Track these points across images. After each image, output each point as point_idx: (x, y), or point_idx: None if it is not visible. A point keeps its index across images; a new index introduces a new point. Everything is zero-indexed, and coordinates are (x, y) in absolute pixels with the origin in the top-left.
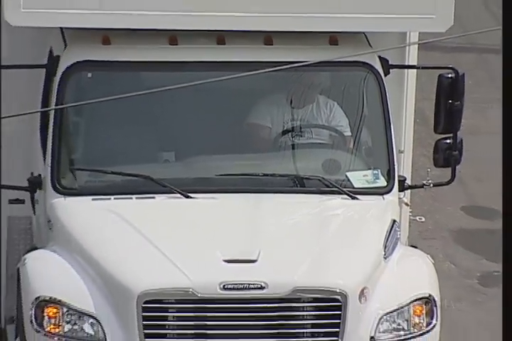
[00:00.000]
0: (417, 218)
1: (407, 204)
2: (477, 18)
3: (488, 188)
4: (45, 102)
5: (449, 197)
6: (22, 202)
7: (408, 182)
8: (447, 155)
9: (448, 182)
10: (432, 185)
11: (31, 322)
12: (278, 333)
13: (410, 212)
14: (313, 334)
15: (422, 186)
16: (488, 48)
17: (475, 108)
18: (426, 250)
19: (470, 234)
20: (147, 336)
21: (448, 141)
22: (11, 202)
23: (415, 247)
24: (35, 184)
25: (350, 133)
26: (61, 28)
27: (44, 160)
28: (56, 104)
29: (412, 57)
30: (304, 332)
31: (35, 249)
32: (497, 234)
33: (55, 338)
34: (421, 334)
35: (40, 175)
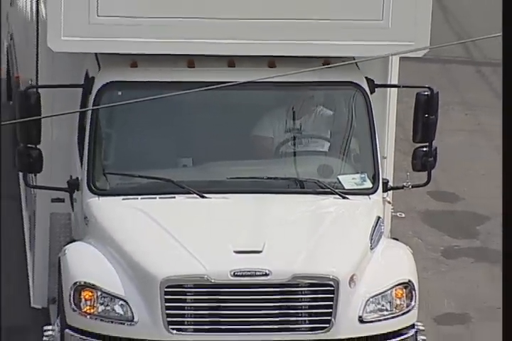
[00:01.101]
0: (398, 214)
1: (389, 202)
2: (439, 32)
3: (450, 176)
4: (82, 116)
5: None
6: (62, 200)
7: (390, 183)
8: (424, 161)
9: (425, 184)
10: (411, 186)
11: (70, 303)
12: (280, 313)
13: (392, 209)
14: (309, 315)
15: (402, 187)
16: (451, 60)
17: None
18: (398, 228)
19: (435, 214)
20: (169, 315)
21: (424, 149)
22: (53, 200)
23: (397, 240)
24: (73, 185)
25: (341, 143)
26: (95, 54)
27: (81, 165)
28: (91, 118)
29: (394, 77)
30: (301, 313)
31: (74, 241)
32: (457, 214)
33: (89, 317)
34: (402, 314)
35: (77, 178)
